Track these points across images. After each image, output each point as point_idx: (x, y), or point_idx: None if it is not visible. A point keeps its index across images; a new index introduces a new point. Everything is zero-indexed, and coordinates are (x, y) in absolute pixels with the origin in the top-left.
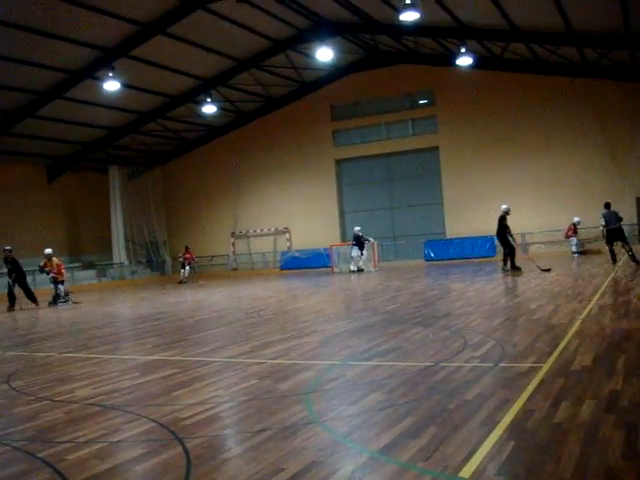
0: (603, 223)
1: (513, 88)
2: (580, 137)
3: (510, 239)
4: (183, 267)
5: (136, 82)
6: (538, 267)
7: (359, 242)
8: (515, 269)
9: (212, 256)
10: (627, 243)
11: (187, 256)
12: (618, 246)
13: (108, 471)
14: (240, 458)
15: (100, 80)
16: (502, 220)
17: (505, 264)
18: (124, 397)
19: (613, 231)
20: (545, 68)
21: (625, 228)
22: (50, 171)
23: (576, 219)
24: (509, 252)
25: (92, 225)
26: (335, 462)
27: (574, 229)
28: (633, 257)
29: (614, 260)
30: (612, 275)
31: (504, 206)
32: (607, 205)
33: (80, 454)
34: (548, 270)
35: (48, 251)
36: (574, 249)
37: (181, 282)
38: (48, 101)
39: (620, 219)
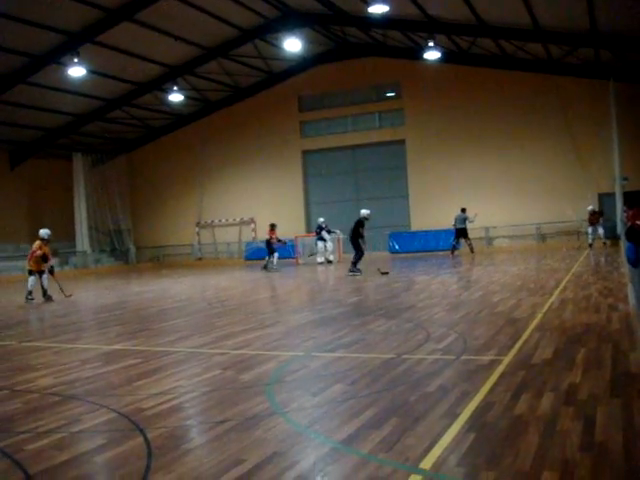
0: (453, 223)
1: (480, 83)
2: (545, 133)
3: (361, 242)
4: (273, 252)
5: (102, 68)
6: (378, 270)
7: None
8: (356, 271)
9: (176, 245)
10: (468, 239)
11: (273, 235)
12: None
13: (67, 462)
14: (201, 449)
15: (65, 65)
16: (360, 225)
17: (353, 265)
18: (85, 387)
19: (460, 230)
20: (511, 64)
21: (586, 224)
22: (13, 157)
23: (590, 207)
24: (358, 255)
25: (55, 213)
26: (297, 453)
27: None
28: (472, 249)
29: (472, 250)
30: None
31: (365, 211)
32: (463, 210)
33: (39, 444)
34: (386, 273)
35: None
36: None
37: (266, 268)
38: (11, 86)
39: (465, 220)
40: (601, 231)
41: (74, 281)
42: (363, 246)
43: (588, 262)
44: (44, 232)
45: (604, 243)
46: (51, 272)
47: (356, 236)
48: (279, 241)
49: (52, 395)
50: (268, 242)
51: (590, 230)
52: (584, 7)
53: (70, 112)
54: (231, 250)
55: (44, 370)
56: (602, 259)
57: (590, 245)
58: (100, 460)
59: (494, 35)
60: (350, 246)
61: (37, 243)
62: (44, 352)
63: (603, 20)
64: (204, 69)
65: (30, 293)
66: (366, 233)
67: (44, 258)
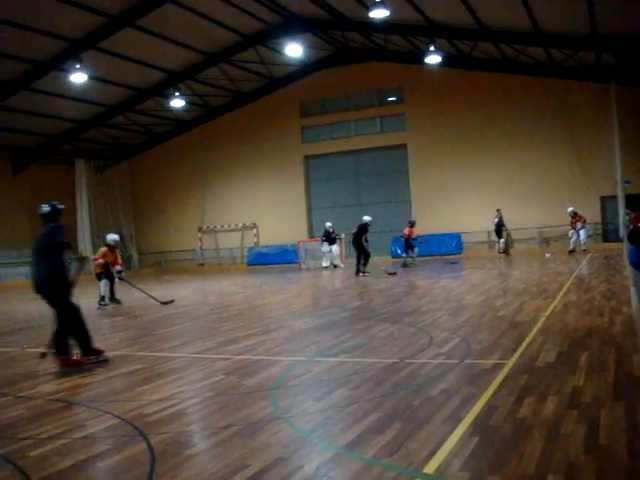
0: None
1: (481, 87)
2: (546, 137)
3: (366, 245)
4: (411, 247)
5: (104, 74)
6: (385, 271)
7: (329, 238)
8: (364, 273)
9: (179, 251)
10: (501, 238)
11: (411, 233)
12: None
13: (71, 468)
14: (205, 454)
15: (67, 72)
16: (363, 230)
17: (363, 267)
18: (88, 393)
19: (495, 230)
20: (513, 67)
21: (589, 227)
22: (15, 163)
23: (570, 208)
24: (365, 257)
25: None
26: (300, 458)
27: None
28: (502, 250)
29: (501, 251)
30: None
31: (367, 218)
32: (497, 210)
33: (42, 450)
34: (394, 274)
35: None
36: (581, 243)
37: (406, 265)
38: (13, 92)
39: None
40: (582, 236)
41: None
42: (368, 249)
43: (591, 265)
44: (111, 237)
45: (584, 250)
46: (120, 278)
47: (359, 240)
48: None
49: (55, 401)
50: (407, 239)
51: (570, 234)
52: (585, 11)
53: (72, 118)
54: (233, 255)
55: (47, 376)
56: (605, 262)
57: (571, 251)
58: (104, 466)
59: (495, 39)
60: (351, 250)
61: (102, 250)
62: (47, 358)
63: (604, 23)
64: (205, 75)
65: (102, 298)
66: (369, 238)
67: (108, 265)
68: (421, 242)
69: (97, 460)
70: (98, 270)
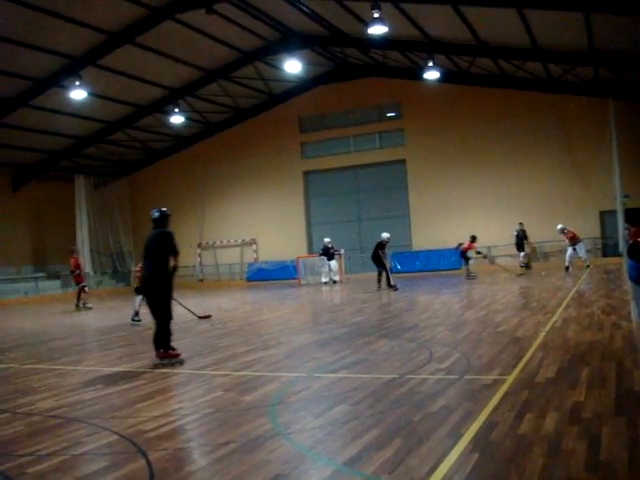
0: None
1: (480, 102)
2: (545, 151)
3: (383, 256)
4: (467, 260)
5: (103, 91)
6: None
7: (327, 253)
8: (392, 287)
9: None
10: (521, 252)
11: (471, 247)
12: None
13: None
14: (204, 471)
15: (67, 88)
16: (380, 247)
17: (388, 281)
18: (87, 409)
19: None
20: (511, 83)
21: (588, 242)
22: (15, 180)
23: (560, 226)
24: (386, 270)
25: (57, 235)
26: (300, 475)
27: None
28: (524, 264)
29: (523, 265)
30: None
31: (386, 235)
32: (520, 224)
33: (41, 467)
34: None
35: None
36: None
37: (468, 277)
38: (13, 109)
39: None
40: (582, 252)
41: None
42: (385, 262)
43: (590, 280)
44: None
45: (587, 266)
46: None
47: (377, 254)
48: (478, 253)
49: (54, 418)
50: (463, 252)
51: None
52: (582, 26)
53: (72, 134)
54: (233, 271)
55: (46, 392)
56: (604, 277)
57: (566, 268)
58: None
59: (493, 55)
60: (353, 265)
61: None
62: (46, 374)
63: (601, 39)
64: (205, 91)
65: (137, 314)
66: (368, 253)
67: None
68: (484, 257)
69: (96, 477)
70: (136, 283)
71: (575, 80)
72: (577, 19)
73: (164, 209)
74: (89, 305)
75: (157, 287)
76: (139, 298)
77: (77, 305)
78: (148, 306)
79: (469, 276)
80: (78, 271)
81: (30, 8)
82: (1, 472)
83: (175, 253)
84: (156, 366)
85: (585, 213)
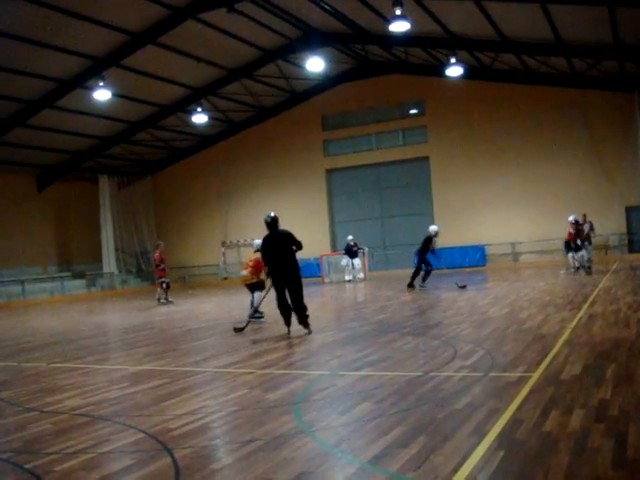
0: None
1: (503, 98)
2: (570, 147)
3: (428, 257)
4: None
5: (126, 91)
6: (456, 284)
7: (350, 251)
8: (421, 286)
9: (202, 265)
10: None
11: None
12: None
13: None
14: (229, 469)
15: (90, 89)
16: (428, 241)
17: (422, 281)
18: (113, 407)
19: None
20: (535, 78)
21: (614, 238)
22: (40, 180)
23: (572, 217)
24: (426, 270)
25: (82, 235)
26: (324, 472)
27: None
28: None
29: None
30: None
31: (434, 227)
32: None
33: (68, 465)
34: (464, 287)
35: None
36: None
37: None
38: (38, 110)
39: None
40: (579, 254)
41: (102, 302)
42: (430, 262)
43: (617, 276)
44: (258, 243)
45: (589, 267)
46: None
47: (424, 251)
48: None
49: (80, 416)
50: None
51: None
52: (607, 19)
53: (95, 135)
54: None
55: (72, 391)
56: (630, 273)
57: (577, 268)
58: None
59: (516, 50)
60: (377, 262)
61: (255, 256)
62: (72, 373)
63: (626, 32)
64: (227, 90)
65: (257, 310)
66: (392, 250)
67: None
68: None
69: (122, 475)
70: (254, 279)
71: (600, 75)
72: (601, 13)
73: (272, 214)
74: (171, 299)
75: (296, 274)
76: (258, 294)
77: (159, 299)
78: (288, 292)
79: (584, 267)
80: (163, 265)
81: (53, 10)
82: (29, 470)
83: (301, 247)
84: (180, 364)
85: (611, 209)
